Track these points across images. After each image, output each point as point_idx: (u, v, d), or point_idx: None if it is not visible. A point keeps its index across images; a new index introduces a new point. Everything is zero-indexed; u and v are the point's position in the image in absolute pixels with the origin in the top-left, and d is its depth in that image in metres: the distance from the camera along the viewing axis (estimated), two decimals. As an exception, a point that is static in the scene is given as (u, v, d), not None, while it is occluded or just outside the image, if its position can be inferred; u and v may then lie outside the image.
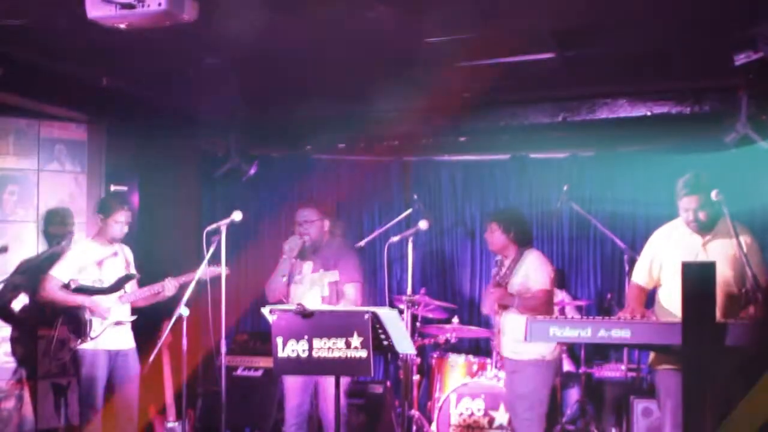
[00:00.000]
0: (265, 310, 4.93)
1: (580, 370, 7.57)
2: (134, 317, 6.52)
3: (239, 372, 7.87)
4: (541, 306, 5.99)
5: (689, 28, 5.52)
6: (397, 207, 9.09)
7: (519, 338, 5.74)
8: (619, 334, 4.87)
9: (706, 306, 4.69)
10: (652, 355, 5.49)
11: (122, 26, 4.26)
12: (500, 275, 6.18)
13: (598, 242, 8.45)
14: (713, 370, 4.63)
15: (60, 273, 6.34)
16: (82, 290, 6.33)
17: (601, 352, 8.18)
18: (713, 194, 5.04)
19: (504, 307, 6.11)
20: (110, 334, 6.38)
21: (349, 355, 4.66)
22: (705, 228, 5.24)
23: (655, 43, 5.89)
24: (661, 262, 5.36)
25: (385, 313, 4.71)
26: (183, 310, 5.71)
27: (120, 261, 6.55)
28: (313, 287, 6.17)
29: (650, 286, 5.49)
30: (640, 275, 5.54)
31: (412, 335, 7.39)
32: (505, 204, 8.78)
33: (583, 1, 5.14)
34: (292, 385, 6.10)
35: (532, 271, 6.07)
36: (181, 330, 5.81)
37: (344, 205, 9.40)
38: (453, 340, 7.74)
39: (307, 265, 6.28)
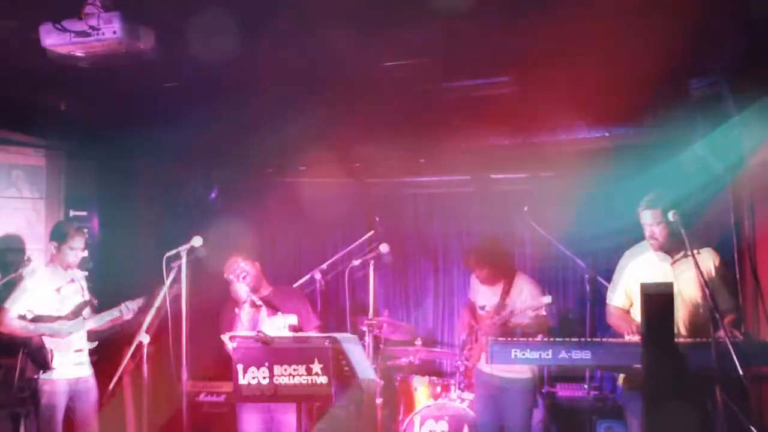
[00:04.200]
0: (225, 338, 4.91)
1: (544, 390, 7.59)
2: (95, 344, 6.45)
3: (201, 397, 7.79)
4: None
5: (646, 56, 5.58)
6: (359, 228, 9.08)
7: None
8: (580, 356, 4.92)
9: (665, 326, 4.75)
10: (622, 375, 5.53)
11: (79, 54, 4.23)
12: (496, 303, 6.34)
13: (560, 262, 8.48)
14: (674, 390, 4.67)
15: (16, 305, 6.23)
16: (39, 320, 6.25)
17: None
18: (670, 215, 5.10)
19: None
20: (70, 362, 6.30)
21: (310, 382, 4.66)
22: (663, 246, 5.28)
23: (613, 69, 5.95)
24: (633, 283, 5.38)
25: (346, 340, 4.71)
26: (143, 337, 5.66)
27: (77, 287, 6.48)
28: (274, 330, 6.07)
29: (628, 306, 5.54)
30: (617, 298, 5.58)
31: (375, 357, 7.38)
32: (467, 225, 8.82)
33: (540, 28, 5.18)
34: (253, 422, 6.02)
35: (527, 295, 6.35)
36: (141, 357, 5.75)
37: (306, 227, 9.38)
38: (416, 362, 7.74)
39: (262, 311, 6.16)
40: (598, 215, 8.42)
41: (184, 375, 5.72)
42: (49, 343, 6.21)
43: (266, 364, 4.73)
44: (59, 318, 6.29)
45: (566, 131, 7.28)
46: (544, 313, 6.23)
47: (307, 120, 7.56)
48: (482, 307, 6.53)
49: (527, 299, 6.27)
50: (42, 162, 7.56)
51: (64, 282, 6.40)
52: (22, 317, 6.22)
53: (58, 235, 6.41)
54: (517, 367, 6.12)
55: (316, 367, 4.62)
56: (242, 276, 6.09)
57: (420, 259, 9.19)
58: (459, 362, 6.93)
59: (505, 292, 6.36)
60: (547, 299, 6.13)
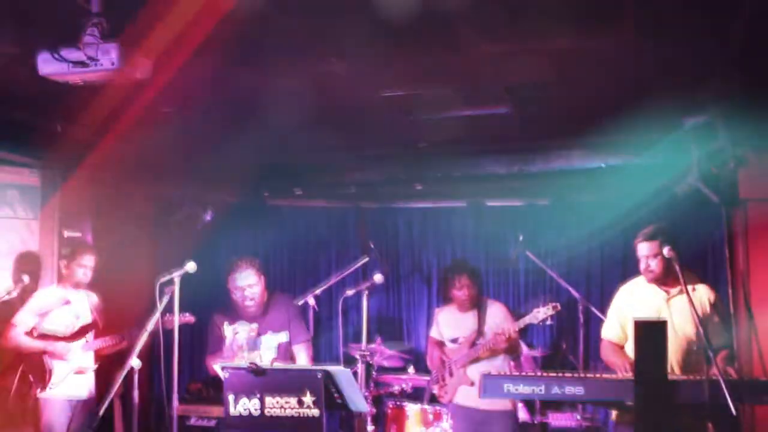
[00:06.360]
0: (217, 367, 4.88)
1: (536, 420, 7.56)
2: (96, 365, 6.45)
3: (192, 421, 7.73)
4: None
5: (642, 87, 5.60)
6: (353, 252, 9.07)
7: None
8: (573, 391, 4.92)
9: (657, 363, 4.74)
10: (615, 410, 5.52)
11: (78, 82, 4.22)
12: (472, 330, 6.28)
13: (554, 291, 8.45)
14: (665, 426, 4.66)
15: (23, 319, 6.26)
16: (44, 337, 6.26)
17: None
18: (666, 251, 5.09)
19: (474, 360, 6.28)
20: (71, 382, 6.31)
21: (301, 414, 4.64)
22: (659, 279, 5.28)
23: (609, 99, 5.97)
24: (628, 318, 5.37)
25: (338, 372, 4.69)
26: (134, 362, 5.62)
27: (83, 308, 6.48)
28: (263, 351, 6.07)
29: (624, 341, 5.51)
30: (612, 332, 5.55)
31: (367, 384, 7.35)
32: (462, 252, 8.80)
33: (537, 60, 5.19)
34: None
35: (503, 319, 6.33)
36: (132, 381, 5.71)
37: (301, 250, 9.36)
38: (409, 389, 7.72)
39: (253, 327, 6.16)
40: (593, 243, 8.44)
41: (175, 399, 5.67)
42: (49, 361, 6.21)
43: (257, 394, 4.71)
44: (63, 337, 6.30)
45: (562, 160, 7.27)
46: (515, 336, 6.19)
47: (303, 144, 7.59)
48: (454, 340, 6.47)
49: (502, 323, 6.25)
50: (37, 182, 7.54)
51: (70, 301, 6.41)
52: (28, 334, 6.23)
53: (67, 253, 6.43)
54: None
55: (308, 399, 4.61)
56: (248, 293, 6.07)
57: (414, 284, 9.16)
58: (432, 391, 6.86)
59: (481, 318, 6.33)
60: (516, 325, 6.14)
